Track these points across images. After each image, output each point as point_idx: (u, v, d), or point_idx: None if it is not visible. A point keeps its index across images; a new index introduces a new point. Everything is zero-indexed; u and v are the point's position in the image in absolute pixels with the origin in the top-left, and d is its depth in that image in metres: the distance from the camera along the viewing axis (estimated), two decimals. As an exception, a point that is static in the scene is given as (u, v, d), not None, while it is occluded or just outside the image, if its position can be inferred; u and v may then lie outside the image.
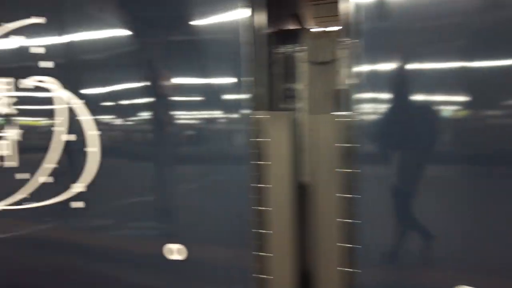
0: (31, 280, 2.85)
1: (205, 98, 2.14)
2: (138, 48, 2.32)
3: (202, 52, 2.12)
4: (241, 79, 2.00)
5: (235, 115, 2.05)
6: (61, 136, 2.50)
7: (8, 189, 2.79)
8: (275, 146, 2.07)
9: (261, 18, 2.24)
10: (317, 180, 2.03)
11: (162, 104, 2.23)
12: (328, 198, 1.98)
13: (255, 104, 2.07)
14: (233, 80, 2.05)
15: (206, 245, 2.15)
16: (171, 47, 2.23)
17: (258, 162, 2.06)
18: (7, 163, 2.77)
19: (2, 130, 2.77)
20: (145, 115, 2.29)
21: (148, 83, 2.27)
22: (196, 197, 2.14)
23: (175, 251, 2.18)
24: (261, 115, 2.07)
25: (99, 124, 2.39)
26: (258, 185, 2.07)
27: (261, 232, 2.10)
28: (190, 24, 2.17)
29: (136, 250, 2.32)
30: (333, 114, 2.00)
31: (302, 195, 2.11)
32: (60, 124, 2.50)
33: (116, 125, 2.39)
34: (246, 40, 2.00)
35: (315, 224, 2.05)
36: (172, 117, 2.21)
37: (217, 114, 2.12)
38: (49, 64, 2.53)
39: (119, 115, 2.38)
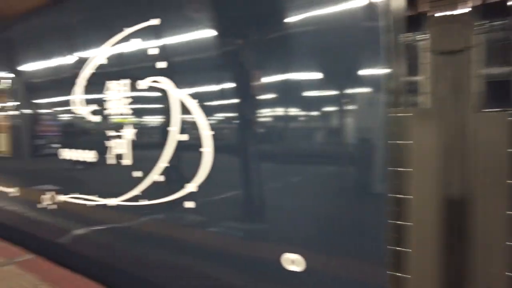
0: (138, 272, 2.96)
1: (333, 95, 1.90)
2: (255, 45, 2.17)
3: (331, 42, 1.88)
4: (380, 71, 1.72)
5: (370, 114, 1.77)
6: (174, 135, 2.51)
7: (123, 186, 2.93)
8: (419, 150, 1.74)
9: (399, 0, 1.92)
10: (477, 193, 1.65)
11: (282, 102, 2.06)
12: (493, 215, 1.60)
13: (394, 100, 1.77)
14: (369, 72, 1.77)
15: (330, 258, 1.93)
16: (290, 41, 2.04)
17: (398, 169, 1.76)
18: (122, 161, 2.90)
19: (119, 130, 2.91)
20: (262, 115, 2.15)
21: (266, 81, 2.12)
22: (322, 203, 1.92)
23: (293, 261, 2.00)
24: (402, 113, 1.76)
25: (212, 124, 2.32)
26: (397, 195, 1.77)
27: (398, 250, 1.80)
28: (314, 14, 1.95)
29: (249, 256, 2.20)
30: (505, 112, 1.60)
31: (452, 210, 1.75)
32: (172, 124, 2.50)
33: (230, 125, 2.29)
34: (384, 26, 1.70)
35: (471, 247, 1.68)
36: (295, 117, 2.03)
37: (346, 111, 1.86)
38: (163, 65, 2.55)
39: (233, 115, 2.28)
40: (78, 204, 3.32)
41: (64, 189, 3.48)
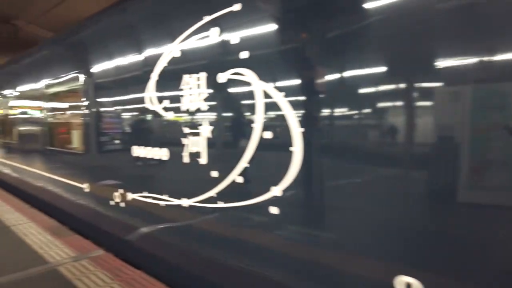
0: (212, 279, 2.78)
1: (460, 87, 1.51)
2: (360, 29, 1.84)
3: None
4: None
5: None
6: (257, 133, 2.28)
7: (197, 186, 2.78)
8: None
9: None
10: None
11: (393, 95, 1.71)
12: None
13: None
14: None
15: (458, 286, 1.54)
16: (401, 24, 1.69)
17: None
18: (197, 160, 2.74)
19: (195, 127, 2.76)
20: (366, 110, 1.82)
21: (370, 71, 1.79)
22: (447, 215, 1.54)
23: (409, 286, 1.64)
24: None
25: (302, 120, 2.04)
26: None
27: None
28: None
29: (351, 278, 1.88)
30: None
31: None
32: (256, 120, 2.28)
33: (325, 122, 1.99)
34: None
35: None
36: (410, 112, 1.67)
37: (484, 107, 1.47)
38: (245, 55, 2.33)
39: (328, 110, 1.98)
40: (150, 203, 3.26)
41: (136, 187, 3.45)
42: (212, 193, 2.62)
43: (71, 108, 5.60)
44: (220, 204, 2.57)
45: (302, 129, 2.04)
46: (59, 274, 3.15)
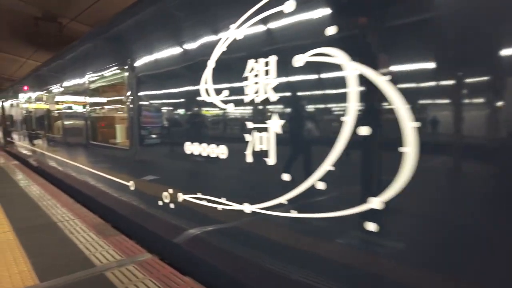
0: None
1: None
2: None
3: None
4: None
5: None
6: (349, 128, 1.82)
7: (263, 190, 2.38)
8: None
9: None
10: None
11: None
12: None
13: None
14: None
15: None
16: None
17: None
18: (264, 160, 2.34)
19: (262, 121, 2.35)
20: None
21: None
22: None
23: None
24: None
25: (420, 111, 1.56)
26: None
27: None
28: None
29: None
30: None
31: None
32: (347, 112, 1.82)
33: (452, 114, 1.50)
34: None
35: None
36: None
37: None
38: (331, 31, 1.87)
39: (454, 100, 1.48)
40: (204, 205, 2.91)
41: (188, 188, 3.12)
42: (283, 199, 2.20)
43: (116, 102, 5.44)
44: (293, 214, 2.14)
45: (417, 124, 1.55)
46: (107, 281, 2.89)
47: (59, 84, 7.14)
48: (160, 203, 3.50)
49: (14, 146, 13.47)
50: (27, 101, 10.86)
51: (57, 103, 7.49)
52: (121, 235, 4.08)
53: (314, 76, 2.02)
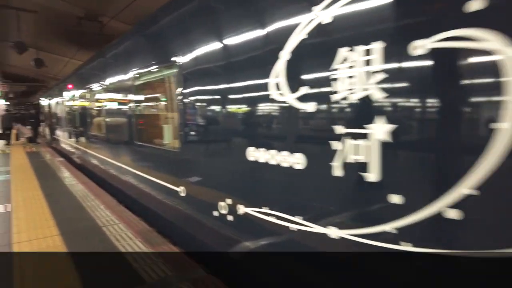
0: None
1: None
2: None
3: None
4: None
5: None
6: (503, 139, 1.30)
7: (358, 211, 1.91)
8: None
9: None
10: None
11: None
12: None
13: None
14: None
15: None
16: None
17: None
18: (358, 174, 1.86)
19: (356, 125, 1.87)
20: None
21: None
22: None
23: None
24: None
25: None
26: None
27: None
28: None
29: None
30: None
31: None
32: (499, 116, 1.30)
33: None
34: None
35: None
36: None
37: None
38: (476, 5, 1.36)
39: None
40: (272, 222, 2.48)
41: (251, 199, 2.70)
42: (388, 227, 1.71)
43: (165, 101, 5.16)
44: (404, 247, 1.65)
45: None
46: (161, 304, 2.57)
47: (103, 82, 7.04)
48: (216, 213, 3.12)
49: (59, 143, 13.92)
50: (71, 99, 11.08)
51: (98, 100, 7.42)
52: (167, 244, 3.78)
53: (442, 67, 1.50)
